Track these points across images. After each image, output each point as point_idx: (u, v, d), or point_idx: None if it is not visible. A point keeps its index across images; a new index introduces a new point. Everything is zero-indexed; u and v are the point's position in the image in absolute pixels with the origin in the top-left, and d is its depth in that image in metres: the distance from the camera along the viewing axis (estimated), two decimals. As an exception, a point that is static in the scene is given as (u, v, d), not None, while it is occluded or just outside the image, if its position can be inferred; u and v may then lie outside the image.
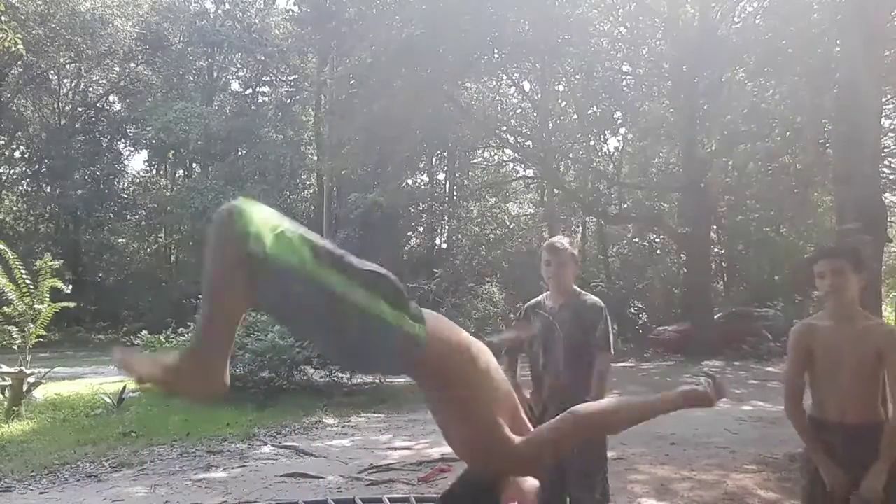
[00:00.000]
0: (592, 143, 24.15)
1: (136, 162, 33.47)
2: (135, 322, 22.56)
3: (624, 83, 20.80)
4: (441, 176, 30.78)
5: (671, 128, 19.18)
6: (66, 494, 5.27)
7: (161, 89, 29.56)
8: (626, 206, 24.09)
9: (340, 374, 10.74)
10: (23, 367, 8.53)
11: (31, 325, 8.83)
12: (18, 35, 9.23)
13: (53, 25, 24.17)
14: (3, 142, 27.93)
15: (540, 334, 3.24)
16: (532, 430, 1.67)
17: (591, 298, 3.30)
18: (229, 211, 1.34)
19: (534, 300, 3.42)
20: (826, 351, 2.62)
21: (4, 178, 28.93)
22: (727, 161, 17.89)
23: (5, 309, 8.83)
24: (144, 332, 11.18)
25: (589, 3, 18.50)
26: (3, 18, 9.65)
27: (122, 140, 30.70)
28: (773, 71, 14.58)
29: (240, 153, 28.53)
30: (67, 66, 28.10)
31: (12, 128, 27.84)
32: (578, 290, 3.31)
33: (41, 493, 5.32)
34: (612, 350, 3.27)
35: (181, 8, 30.04)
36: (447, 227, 30.06)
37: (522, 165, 25.96)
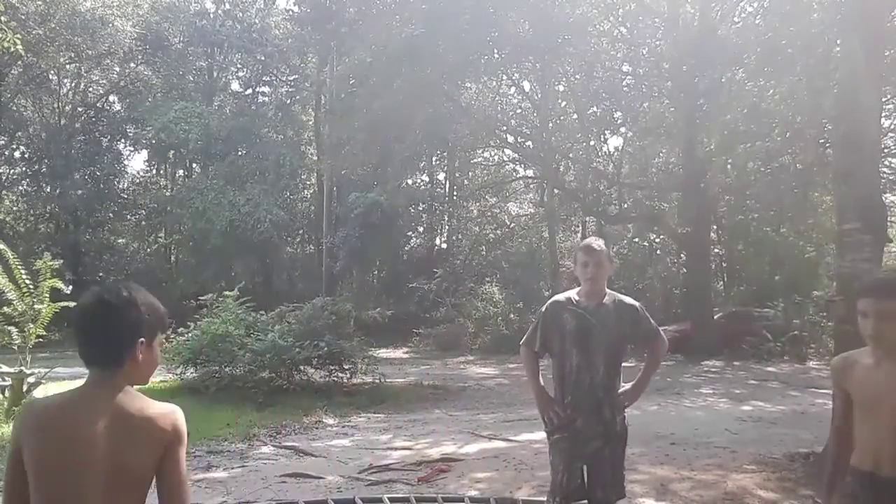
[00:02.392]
0: (592, 143, 24.15)
1: (136, 162, 33.51)
2: (135, 322, 22.52)
3: (624, 83, 20.79)
4: (441, 176, 30.83)
5: (671, 128, 19.18)
6: (66, 494, 5.26)
7: (161, 89, 29.55)
8: (626, 206, 24.09)
9: (340, 374, 10.76)
10: (23, 367, 8.53)
11: (31, 325, 8.82)
12: (18, 35, 9.25)
13: (53, 25, 24.15)
14: (3, 142, 27.93)
15: (574, 333, 3.22)
16: None
17: (626, 298, 3.34)
18: None
19: (560, 297, 3.37)
20: (863, 392, 2.25)
21: (4, 178, 28.93)
22: (727, 161, 17.89)
23: (5, 309, 8.82)
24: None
25: (589, 3, 18.49)
26: (2, 18, 9.66)
27: (122, 140, 30.69)
28: (773, 71, 14.57)
29: (240, 153, 28.52)
30: (67, 66, 28.08)
31: (12, 128, 27.84)
32: (609, 290, 3.32)
33: (41, 493, 5.31)
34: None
35: (181, 8, 30.03)
36: (447, 227, 30.10)
37: (522, 165, 25.97)
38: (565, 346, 3.23)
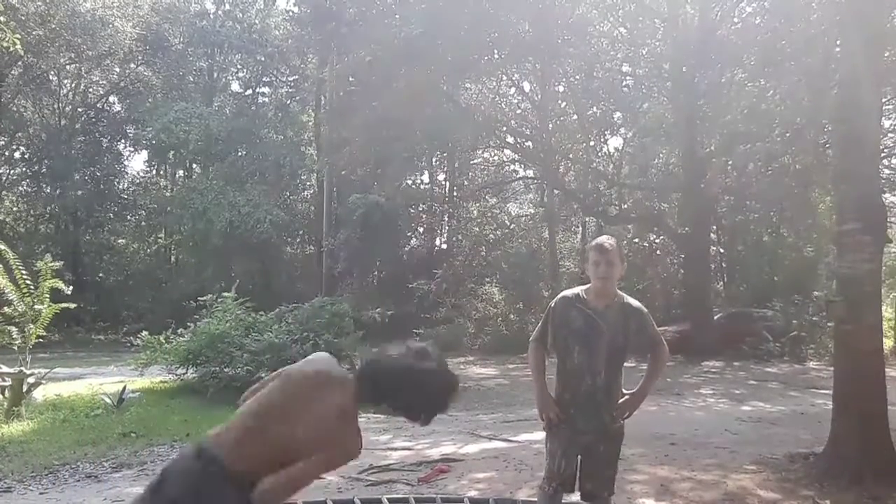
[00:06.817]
0: (592, 143, 24.14)
1: (136, 162, 33.47)
2: (135, 322, 22.56)
3: (624, 84, 20.79)
4: (441, 176, 30.79)
5: (671, 128, 19.18)
6: (66, 495, 5.26)
7: (161, 90, 29.55)
8: (626, 206, 24.07)
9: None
10: (23, 368, 8.52)
11: (31, 326, 8.82)
12: (17, 35, 9.25)
13: (53, 26, 24.14)
14: (3, 142, 27.91)
15: (579, 332, 3.20)
16: None
17: (634, 302, 3.32)
18: None
19: (568, 293, 3.36)
20: None
21: (4, 178, 28.91)
22: (727, 161, 17.90)
23: (5, 309, 8.82)
24: (144, 333, 11.16)
25: (589, 3, 18.48)
26: (2, 19, 9.67)
27: (122, 140, 30.68)
28: (773, 71, 14.61)
29: (240, 153, 28.50)
30: (67, 67, 28.08)
31: (12, 128, 27.82)
32: (618, 291, 3.30)
33: (41, 493, 5.32)
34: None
35: (181, 9, 30.04)
36: (447, 228, 30.05)
37: (522, 166, 25.94)
38: (569, 344, 3.22)
